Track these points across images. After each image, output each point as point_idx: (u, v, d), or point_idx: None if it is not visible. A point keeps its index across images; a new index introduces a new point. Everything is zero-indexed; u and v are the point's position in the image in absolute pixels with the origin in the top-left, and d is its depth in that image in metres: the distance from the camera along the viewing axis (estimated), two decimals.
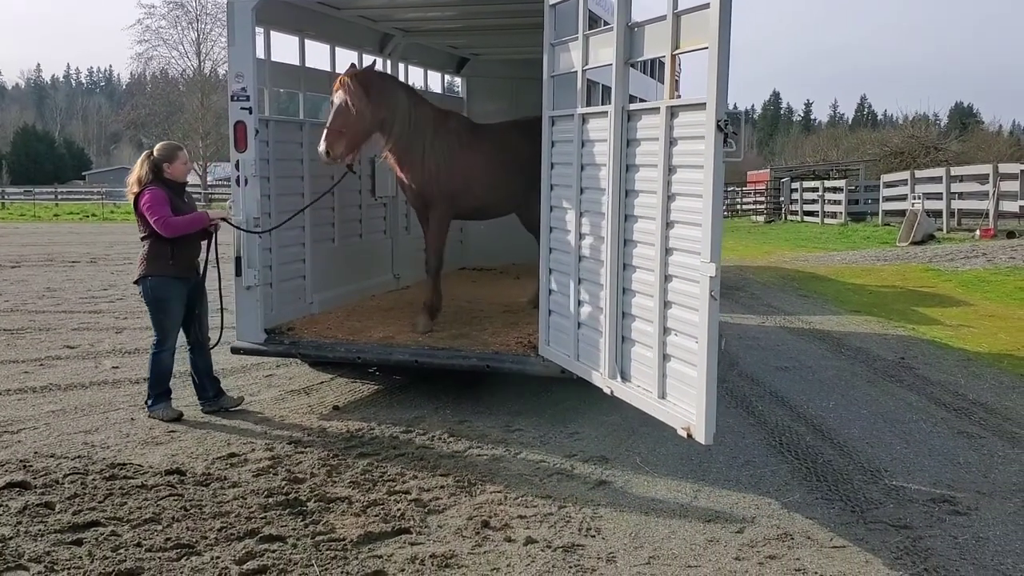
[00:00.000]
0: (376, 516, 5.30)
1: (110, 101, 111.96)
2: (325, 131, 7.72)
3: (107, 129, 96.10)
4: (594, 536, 5.10)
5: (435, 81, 12.98)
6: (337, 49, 9.70)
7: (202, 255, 7.48)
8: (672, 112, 5.67)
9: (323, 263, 9.18)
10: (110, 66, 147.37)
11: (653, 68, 11.41)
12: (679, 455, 6.50)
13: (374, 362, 8.15)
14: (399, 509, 5.41)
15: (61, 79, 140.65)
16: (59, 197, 55.39)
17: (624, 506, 5.56)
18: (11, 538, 4.91)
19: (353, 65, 8.62)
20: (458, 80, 13.64)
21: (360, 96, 7.79)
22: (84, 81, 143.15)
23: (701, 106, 5.27)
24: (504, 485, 5.86)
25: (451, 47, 12.33)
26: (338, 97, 7.81)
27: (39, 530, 5.02)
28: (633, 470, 6.22)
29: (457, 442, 6.79)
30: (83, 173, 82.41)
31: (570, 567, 4.69)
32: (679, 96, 6.20)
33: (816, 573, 4.66)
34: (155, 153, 7.26)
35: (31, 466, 6.10)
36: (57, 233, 30.43)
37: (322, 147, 7.66)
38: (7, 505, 5.38)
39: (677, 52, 5.71)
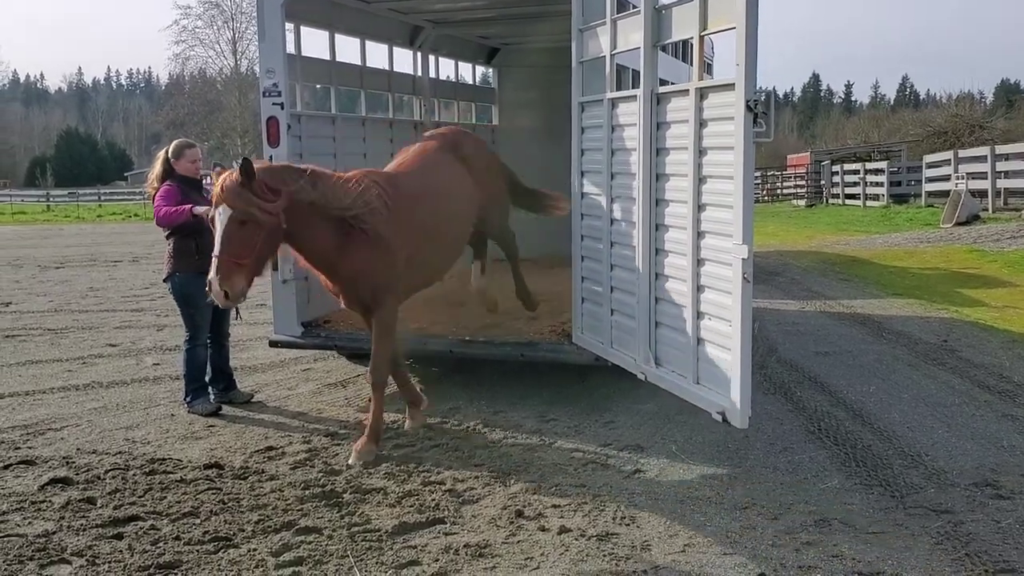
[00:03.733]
0: (411, 507, 5.32)
1: (150, 102, 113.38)
2: (214, 262, 5.58)
3: (148, 130, 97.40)
4: (628, 525, 5.06)
5: (466, 72, 12.98)
6: (367, 43, 9.72)
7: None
8: (702, 94, 5.61)
9: None
10: (149, 67, 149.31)
11: (684, 51, 11.29)
12: (715, 443, 6.43)
13: (411, 353, 8.16)
14: (434, 500, 5.42)
15: (102, 82, 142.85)
16: (102, 198, 56.32)
17: (659, 494, 5.52)
18: (54, 532, 5.00)
19: (219, 165, 6.09)
20: (489, 71, 13.62)
21: (253, 200, 5.61)
22: (124, 83, 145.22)
23: (730, 87, 5.21)
24: (538, 475, 5.85)
25: (481, 37, 12.30)
26: (222, 212, 5.61)
27: (81, 524, 5.10)
28: (669, 458, 6.17)
29: (492, 432, 6.79)
30: (125, 174, 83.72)
31: (604, 556, 4.66)
32: (709, 77, 6.13)
33: (854, 559, 4.59)
34: (168, 152, 7.39)
35: (74, 462, 6.20)
36: (100, 234, 30.93)
37: (216, 288, 5.55)
38: (51, 500, 5.48)
39: (705, 33, 5.66)
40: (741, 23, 5.06)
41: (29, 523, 5.14)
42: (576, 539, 4.86)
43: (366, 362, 8.95)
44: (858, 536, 4.86)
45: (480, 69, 13.68)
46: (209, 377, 7.62)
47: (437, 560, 4.63)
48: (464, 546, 4.78)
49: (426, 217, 6.65)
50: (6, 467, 6.12)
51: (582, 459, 6.15)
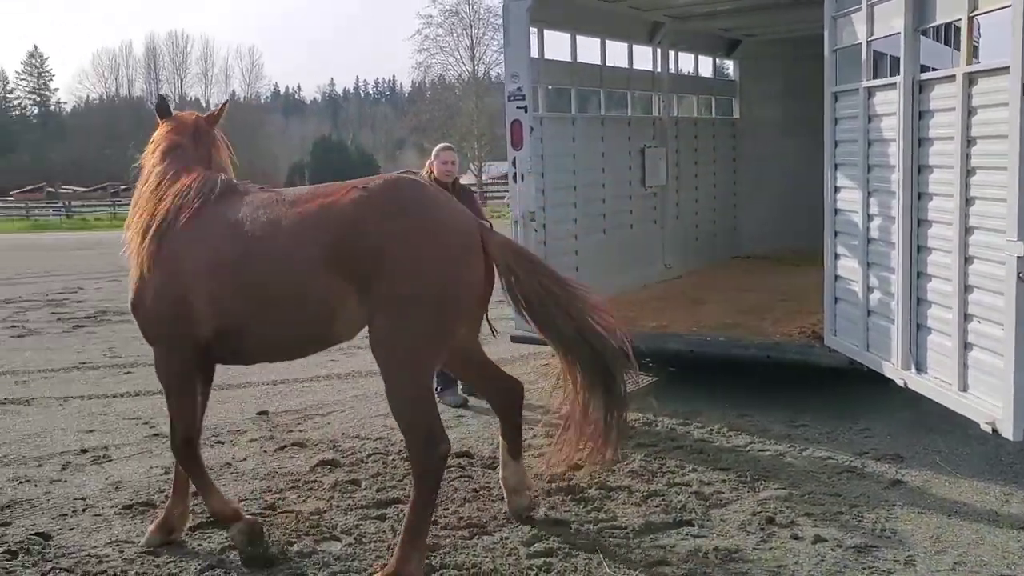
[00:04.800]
0: (657, 507, 5.30)
1: (394, 109, 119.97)
2: None
3: (393, 135, 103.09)
4: (889, 538, 4.79)
5: (705, 66, 12.73)
6: (607, 42, 9.79)
7: None
8: (970, 79, 5.20)
9: (594, 253, 9.29)
10: (393, 76, 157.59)
11: (946, 34, 10.52)
12: (985, 455, 5.96)
13: (648, 352, 8.12)
14: (680, 501, 5.37)
15: (352, 91, 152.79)
16: None
17: (923, 507, 5.18)
18: (325, 511, 5.40)
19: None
20: (728, 63, 13.32)
21: None
22: (371, 92, 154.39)
23: (1004, 70, 4.81)
24: (789, 482, 5.65)
25: (723, 30, 12.05)
26: None
27: (348, 504, 5.48)
28: (932, 470, 5.78)
29: (737, 436, 6.63)
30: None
31: (863, 568, 4.44)
32: (977, 62, 5.68)
33: None
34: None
35: (340, 446, 6.68)
36: None
37: None
38: (321, 481, 5.92)
39: (975, 14, 5.24)
40: (1018, 1, 4.66)
41: (303, 501, 5.58)
42: (832, 550, 4.66)
43: None
44: None
45: (715, 62, 13.39)
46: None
47: (687, 562, 4.59)
48: (713, 549, 4.71)
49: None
50: (281, 448, 6.68)
51: (836, 467, 5.88)
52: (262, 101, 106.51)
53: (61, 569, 4.71)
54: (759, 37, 12.41)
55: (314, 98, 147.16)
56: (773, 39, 12.27)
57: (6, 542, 5.04)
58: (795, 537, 4.83)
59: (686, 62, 11.97)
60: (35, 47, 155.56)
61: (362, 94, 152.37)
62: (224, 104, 5.67)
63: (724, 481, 5.70)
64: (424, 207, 4.53)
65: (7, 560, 4.82)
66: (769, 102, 12.39)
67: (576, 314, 4.63)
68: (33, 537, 5.11)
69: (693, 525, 5.05)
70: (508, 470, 5.19)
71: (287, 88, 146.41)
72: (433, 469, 4.40)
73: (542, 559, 4.64)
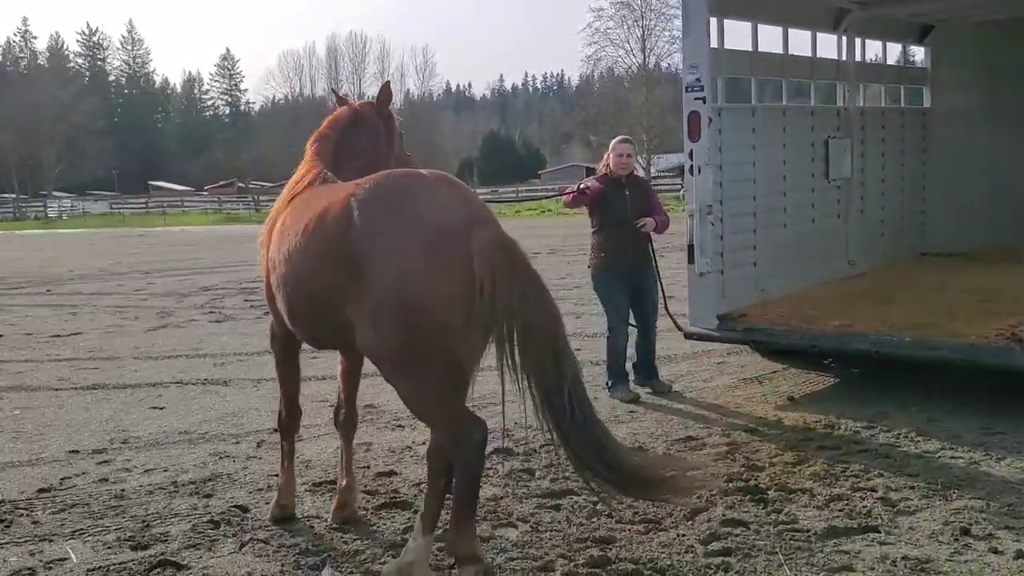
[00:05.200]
0: (840, 511, 5.11)
1: (561, 103, 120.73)
2: None
3: (560, 130, 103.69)
4: None
5: (893, 53, 12.11)
6: (789, 30, 9.47)
7: (641, 248, 7.81)
8: None
9: (774, 249, 9.02)
10: (562, 70, 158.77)
11: None
12: None
13: (831, 352, 7.86)
14: (865, 506, 5.16)
15: (520, 87, 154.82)
16: (519, 194, 60.96)
17: None
18: (501, 498, 5.51)
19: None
20: (918, 51, 12.61)
21: None
22: (539, 87, 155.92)
23: None
24: (985, 492, 5.30)
25: (913, 15, 11.41)
26: None
27: (524, 493, 5.57)
28: None
29: (927, 442, 6.29)
30: (538, 172, 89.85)
31: None
32: None
33: None
34: None
35: (512, 435, 6.78)
36: (516, 228, 33.42)
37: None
38: (496, 468, 6.04)
39: None
40: None
41: (480, 487, 5.70)
42: None
43: (783, 359, 8.82)
44: None
45: (904, 49, 12.70)
46: (635, 362, 7.95)
47: (873, 569, 4.40)
48: (903, 558, 4.49)
49: None
50: None
51: None
52: (434, 99, 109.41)
53: (258, 540, 5.02)
54: (956, 21, 11.67)
55: (484, 94, 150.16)
56: (970, 23, 11.52)
57: (209, 512, 5.42)
58: (993, 551, 4.54)
59: (872, 49, 11.44)
60: (227, 50, 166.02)
61: (530, 89, 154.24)
62: (383, 87, 5.65)
63: (912, 488, 5.42)
64: (397, 208, 4.00)
65: (210, 529, 5.19)
66: (964, 90, 11.63)
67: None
68: (233, 509, 5.48)
69: (879, 531, 4.84)
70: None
71: (458, 85, 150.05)
72: (469, 459, 4.09)
73: (720, 558, 4.56)
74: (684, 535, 4.86)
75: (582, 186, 7.85)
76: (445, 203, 4.04)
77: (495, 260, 3.85)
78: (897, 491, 5.38)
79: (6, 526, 5.31)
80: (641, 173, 8.00)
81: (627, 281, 7.78)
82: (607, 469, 3.92)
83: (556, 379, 3.94)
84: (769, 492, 5.42)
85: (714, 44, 8.18)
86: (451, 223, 3.93)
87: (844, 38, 10.23)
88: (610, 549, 4.69)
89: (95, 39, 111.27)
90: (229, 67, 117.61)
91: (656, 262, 8.03)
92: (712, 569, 4.46)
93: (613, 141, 8.00)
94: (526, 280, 3.92)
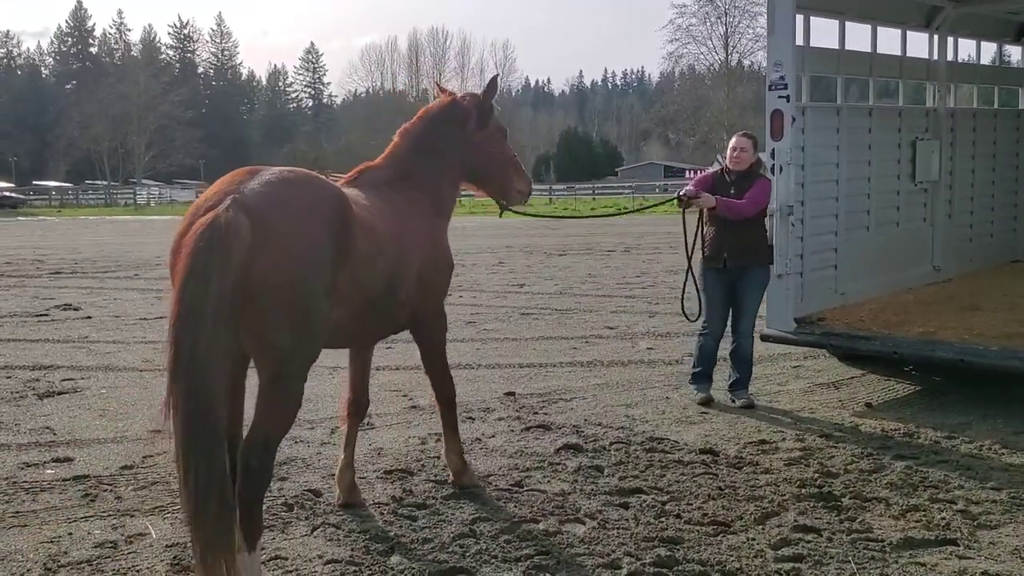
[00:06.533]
0: (917, 522, 4.97)
1: (641, 100, 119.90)
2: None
3: (638, 127, 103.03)
4: None
5: (987, 52, 11.71)
6: (878, 28, 9.24)
7: (743, 248, 7.49)
8: None
9: (856, 252, 8.81)
10: (642, 67, 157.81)
11: None
12: None
13: (912, 359, 7.64)
14: (943, 518, 5.01)
15: (599, 83, 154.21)
16: (595, 192, 60.78)
17: None
18: (569, 494, 5.50)
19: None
20: (1014, 50, 12.18)
21: None
22: (619, 83, 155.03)
23: None
24: None
25: (1011, 13, 11.02)
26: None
27: (592, 489, 5.56)
28: None
29: (1011, 455, 6.08)
30: (615, 169, 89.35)
31: None
32: None
33: None
34: None
35: (582, 431, 6.78)
36: (595, 224, 33.33)
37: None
38: (565, 464, 6.04)
39: None
40: None
41: (548, 481, 5.72)
42: None
43: (861, 364, 8.62)
44: None
45: (999, 49, 12.27)
46: (731, 380, 7.62)
47: None
48: (982, 573, 4.35)
49: None
50: (527, 429, 6.87)
51: None
52: (513, 95, 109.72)
53: (329, 524, 5.11)
54: None
55: (563, 90, 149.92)
56: None
57: (284, 495, 5.54)
58: None
59: (965, 49, 11.08)
60: (311, 43, 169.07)
61: (609, 86, 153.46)
62: (491, 80, 5.73)
63: (995, 502, 5.25)
64: (270, 199, 4.13)
65: (284, 511, 5.30)
66: None
67: None
68: (306, 493, 5.59)
69: (958, 545, 4.70)
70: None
71: (537, 81, 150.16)
72: None
73: (790, 564, 4.48)
74: (754, 539, 4.79)
75: (679, 193, 7.69)
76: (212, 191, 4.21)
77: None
78: (978, 504, 5.22)
79: (91, 500, 5.52)
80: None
81: (725, 281, 7.55)
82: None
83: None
84: (843, 499, 5.30)
85: (800, 42, 8.03)
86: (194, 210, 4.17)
87: (936, 36, 9.94)
88: (677, 550, 4.65)
89: (186, 31, 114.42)
90: (313, 60, 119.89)
91: (758, 263, 7.50)
92: (782, 575, 4.39)
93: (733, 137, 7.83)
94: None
